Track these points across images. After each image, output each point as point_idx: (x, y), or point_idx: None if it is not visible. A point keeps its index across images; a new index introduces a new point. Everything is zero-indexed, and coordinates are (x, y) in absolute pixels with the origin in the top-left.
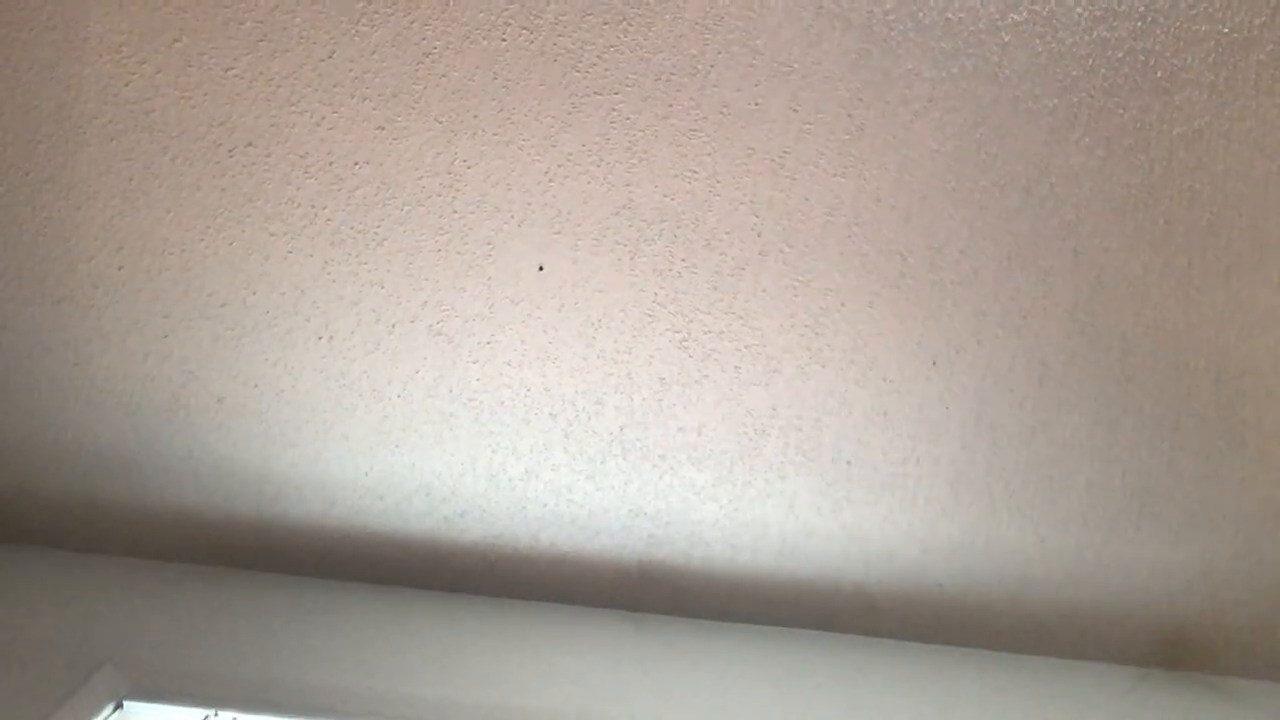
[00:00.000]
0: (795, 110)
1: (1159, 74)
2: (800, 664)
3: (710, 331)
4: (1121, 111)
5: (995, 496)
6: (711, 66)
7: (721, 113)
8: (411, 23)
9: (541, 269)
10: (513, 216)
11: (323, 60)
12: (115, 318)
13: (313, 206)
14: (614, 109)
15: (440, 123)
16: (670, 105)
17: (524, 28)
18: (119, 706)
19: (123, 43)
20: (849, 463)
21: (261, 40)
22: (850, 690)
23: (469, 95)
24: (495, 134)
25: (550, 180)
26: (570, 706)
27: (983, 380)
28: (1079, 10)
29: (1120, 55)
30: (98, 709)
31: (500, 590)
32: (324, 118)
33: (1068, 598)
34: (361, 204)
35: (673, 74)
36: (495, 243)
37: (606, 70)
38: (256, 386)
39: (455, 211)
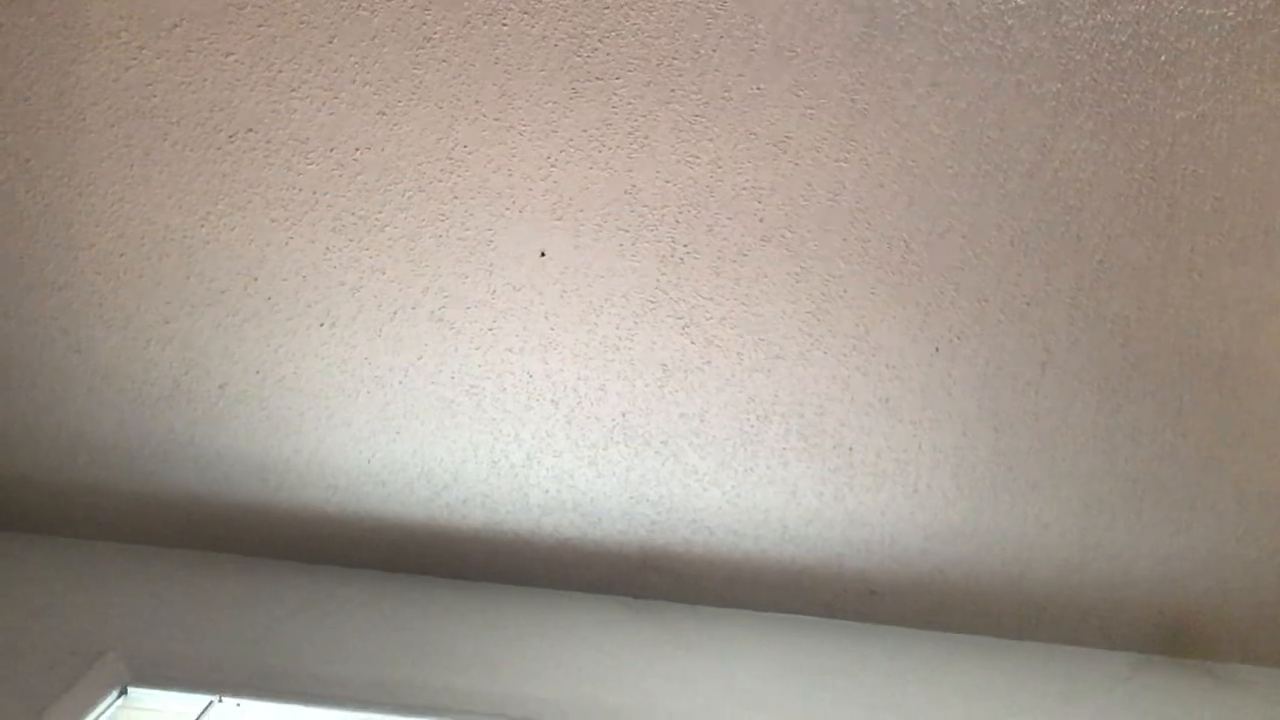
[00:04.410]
0: (797, 95)
1: (1162, 58)
2: (802, 650)
3: (712, 318)
4: (1125, 96)
5: (997, 483)
6: (713, 51)
7: (723, 98)
8: (412, 8)
9: (543, 255)
10: (514, 202)
11: (323, 45)
12: (116, 305)
13: (314, 192)
14: (615, 94)
15: (441, 108)
16: (672, 90)
17: (525, 12)
18: (123, 693)
19: (122, 28)
20: (851, 449)
21: (261, 25)
22: (852, 676)
23: (470, 80)
24: (496, 119)
25: (552, 166)
26: (571, 692)
27: (985, 366)
28: None
29: (1123, 39)
30: (102, 695)
31: (502, 576)
32: (325, 103)
33: (1069, 584)
34: (363, 190)
35: (674, 59)
36: (496, 229)
37: (608, 55)
38: (258, 373)
39: (456, 197)
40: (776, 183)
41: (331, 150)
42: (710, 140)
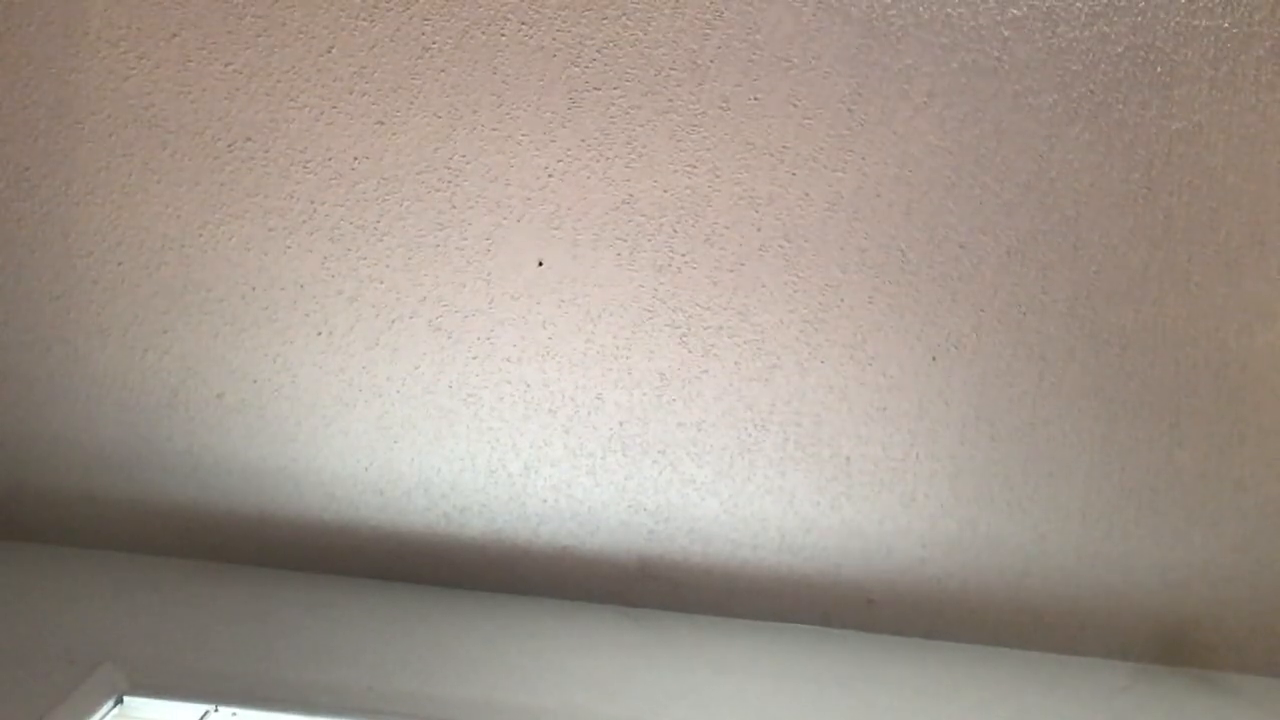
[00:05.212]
0: (795, 105)
1: (1159, 69)
2: (799, 660)
3: (710, 327)
4: (1121, 106)
5: (994, 492)
6: (711, 61)
7: (721, 108)
8: (411, 17)
9: (541, 264)
10: (512, 212)
11: (322, 55)
12: (114, 313)
13: (311, 202)
14: (613, 104)
15: (439, 118)
16: (670, 100)
17: (523, 23)
18: (119, 702)
19: (122, 37)
20: (848, 458)
21: (260, 35)
22: (849, 686)
23: (468, 90)
24: (494, 129)
25: (549, 175)
26: (569, 702)
27: (982, 375)
28: (1079, 5)
29: (1120, 50)
30: (97, 705)
31: (499, 586)
32: (323, 113)
33: (1066, 593)
34: (360, 199)
35: (672, 69)
36: (494, 238)
37: (606, 65)
38: (255, 382)
39: (454, 207)
40: (774, 192)
41: (329, 160)
42: (708, 150)
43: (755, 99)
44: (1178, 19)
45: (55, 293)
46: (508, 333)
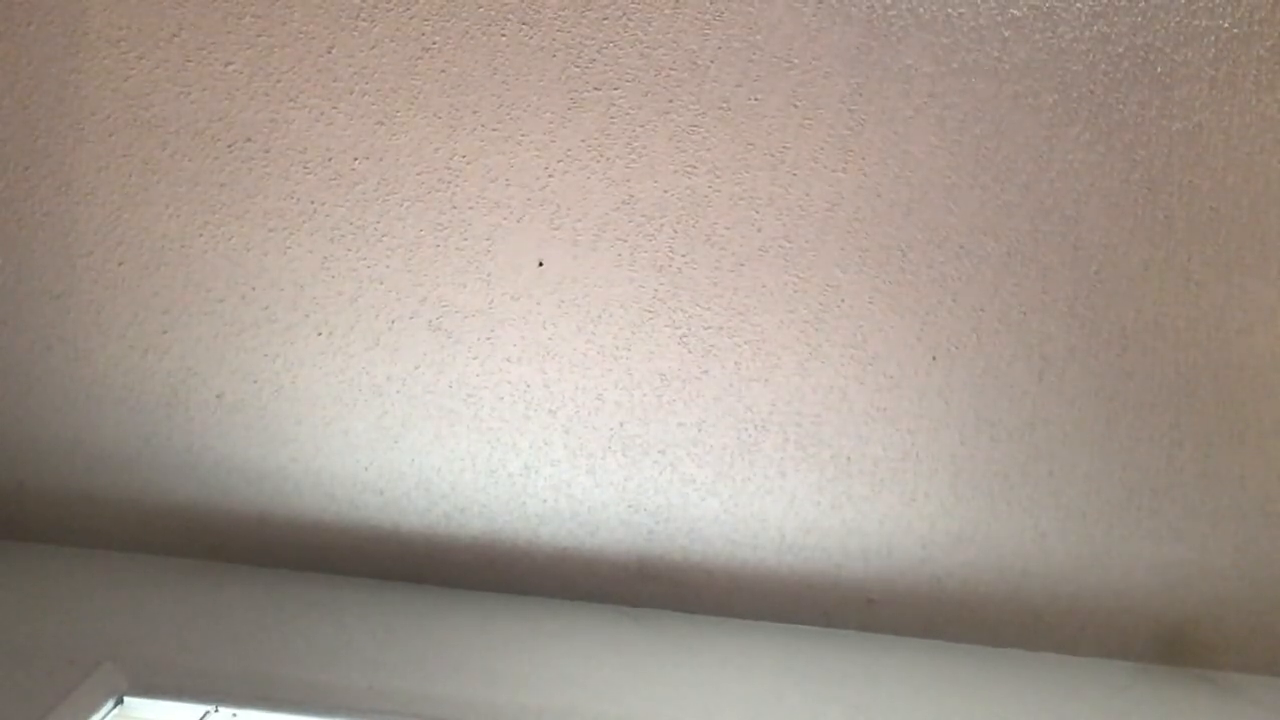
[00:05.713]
0: (795, 106)
1: (1159, 69)
2: (799, 660)
3: (710, 327)
4: (1121, 107)
5: (994, 492)
6: (711, 62)
7: (721, 108)
8: (411, 18)
9: (541, 265)
10: (512, 212)
11: (322, 55)
12: (114, 313)
13: (312, 202)
14: (613, 104)
15: (439, 118)
16: (670, 101)
17: (523, 23)
18: (119, 702)
19: (122, 38)
20: (848, 458)
21: (260, 35)
22: (849, 686)
23: (468, 90)
24: (495, 129)
25: (550, 176)
26: (568, 702)
27: (982, 375)
28: (1079, 6)
29: (1120, 50)
30: (98, 705)
31: (499, 586)
32: (323, 113)
33: (1066, 593)
34: (360, 199)
35: (672, 69)
36: (495, 238)
37: (606, 66)
38: (255, 382)
39: (454, 207)
40: (774, 193)
41: (329, 160)
42: (708, 150)
43: (755, 99)
44: (1178, 19)
45: (55, 292)
46: (508, 333)
